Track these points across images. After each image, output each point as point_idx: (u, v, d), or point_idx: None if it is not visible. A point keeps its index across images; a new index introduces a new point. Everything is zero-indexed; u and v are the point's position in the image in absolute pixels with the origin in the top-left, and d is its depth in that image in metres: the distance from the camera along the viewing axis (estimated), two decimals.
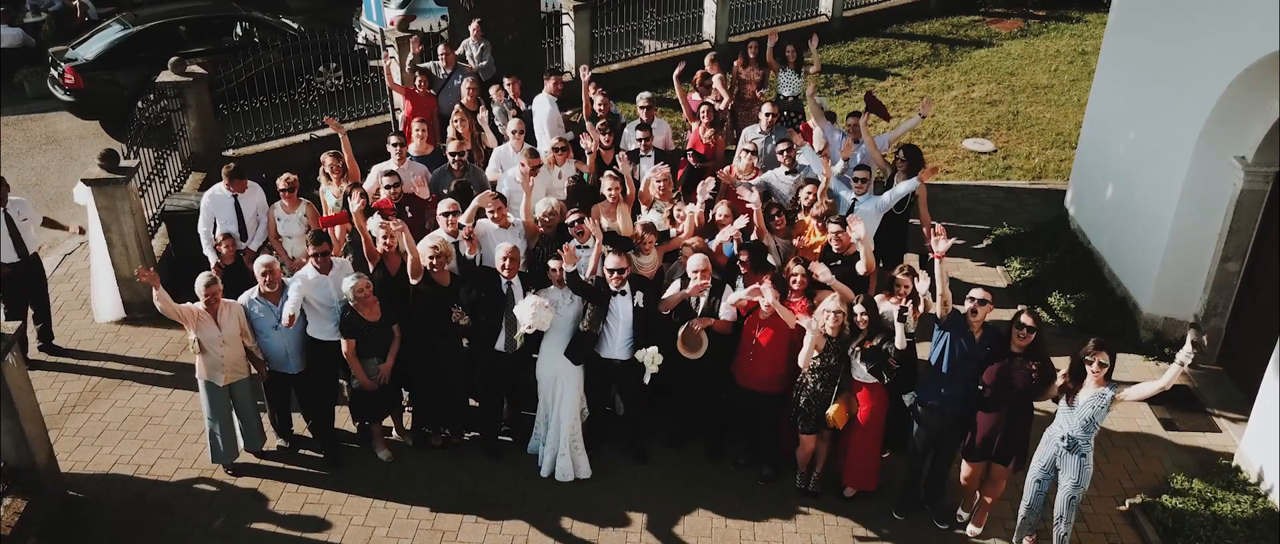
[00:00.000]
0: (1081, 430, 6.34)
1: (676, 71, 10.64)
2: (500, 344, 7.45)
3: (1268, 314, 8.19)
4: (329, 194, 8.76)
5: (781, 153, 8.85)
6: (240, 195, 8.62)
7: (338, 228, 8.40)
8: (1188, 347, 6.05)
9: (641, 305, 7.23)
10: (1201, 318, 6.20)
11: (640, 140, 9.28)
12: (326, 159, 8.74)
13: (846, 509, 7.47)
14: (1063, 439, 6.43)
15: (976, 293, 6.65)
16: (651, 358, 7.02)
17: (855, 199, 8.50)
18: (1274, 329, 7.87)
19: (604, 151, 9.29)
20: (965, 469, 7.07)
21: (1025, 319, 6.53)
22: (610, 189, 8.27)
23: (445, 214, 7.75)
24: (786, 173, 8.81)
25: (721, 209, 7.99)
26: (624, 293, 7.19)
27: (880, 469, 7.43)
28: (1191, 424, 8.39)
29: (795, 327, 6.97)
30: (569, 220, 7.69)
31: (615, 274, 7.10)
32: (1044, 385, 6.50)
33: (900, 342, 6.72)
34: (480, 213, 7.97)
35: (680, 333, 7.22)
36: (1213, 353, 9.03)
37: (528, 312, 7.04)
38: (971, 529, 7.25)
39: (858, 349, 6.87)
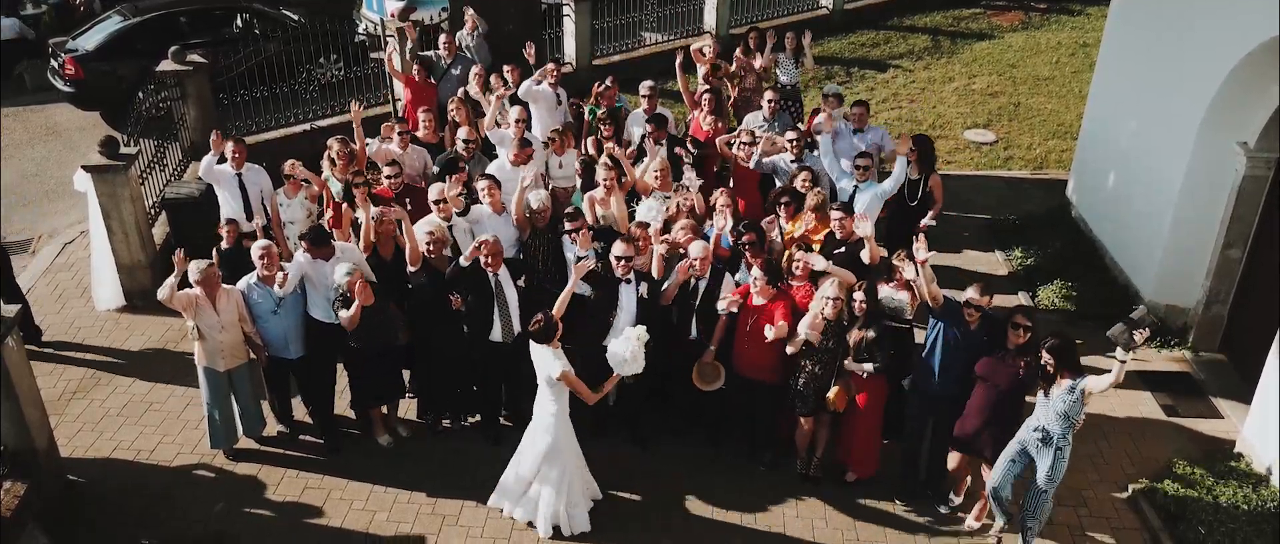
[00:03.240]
0: (1056, 423, 6.29)
1: (679, 61, 10.61)
2: (496, 335, 7.43)
3: (1269, 301, 8.16)
4: (333, 181, 8.75)
5: (791, 141, 8.83)
6: (244, 173, 8.61)
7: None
8: (1120, 350, 6.01)
9: (646, 296, 7.21)
10: (1141, 313, 6.20)
11: (649, 132, 9.25)
12: (334, 144, 8.74)
13: (847, 495, 7.46)
14: (1037, 430, 6.40)
15: (973, 297, 6.63)
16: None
17: (856, 186, 8.47)
18: (1276, 316, 7.84)
19: (605, 141, 9.27)
20: (954, 459, 7.07)
21: (1020, 320, 6.51)
22: (605, 178, 8.24)
23: (436, 202, 7.76)
24: (792, 161, 8.79)
25: (722, 199, 7.96)
26: (629, 282, 7.17)
27: (880, 455, 7.42)
28: (1193, 410, 8.38)
29: (788, 321, 6.95)
30: (569, 228, 7.64)
31: (622, 262, 7.07)
32: (1032, 380, 6.48)
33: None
34: (474, 198, 7.96)
35: (695, 368, 7.26)
36: (1215, 340, 9.03)
37: (627, 350, 6.57)
38: (970, 523, 7.21)
39: (855, 335, 6.85)
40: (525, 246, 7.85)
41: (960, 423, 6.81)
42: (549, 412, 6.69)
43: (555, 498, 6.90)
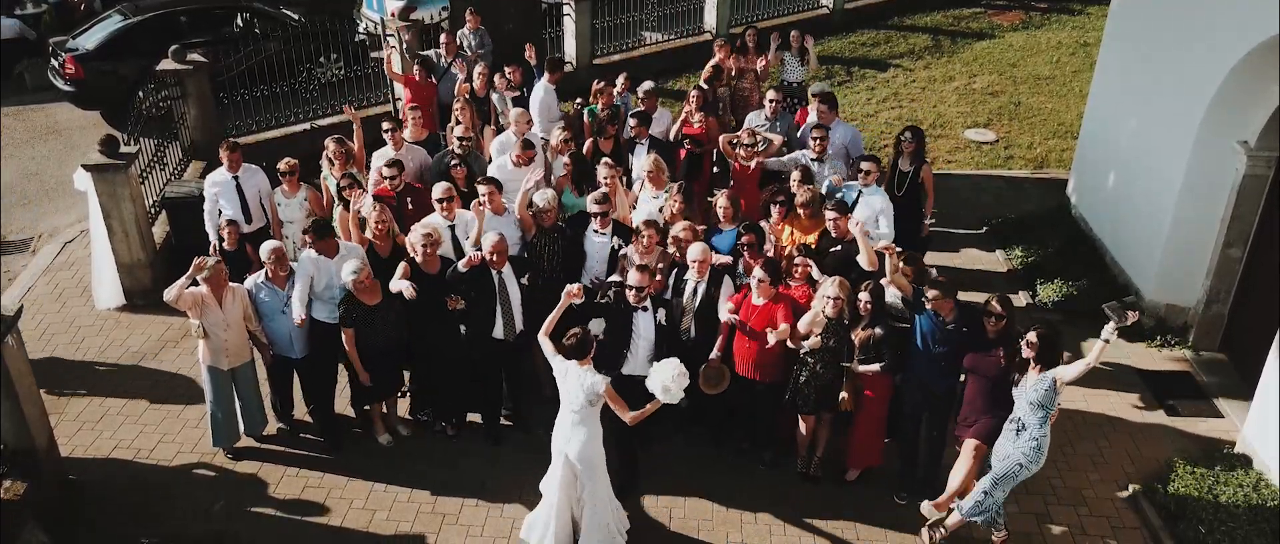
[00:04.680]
0: (1029, 412, 6.27)
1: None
2: (499, 332, 7.43)
3: (1269, 300, 8.16)
4: (331, 181, 8.76)
5: (815, 140, 8.81)
6: (241, 176, 8.63)
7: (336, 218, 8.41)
8: (1111, 324, 6.01)
9: (665, 323, 7.03)
10: (1131, 299, 6.16)
11: (631, 128, 9.26)
12: (330, 145, 8.74)
13: (847, 494, 7.46)
14: (1013, 422, 6.40)
15: (928, 295, 6.65)
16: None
17: (861, 191, 8.33)
18: (1276, 315, 7.83)
19: (603, 141, 9.29)
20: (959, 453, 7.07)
21: (994, 307, 6.50)
22: (607, 178, 8.24)
23: (440, 200, 7.75)
24: (814, 160, 8.77)
25: (722, 201, 7.94)
26: (645, 309, 6.94)
27: (883, 451, 7.43)
28: (1193, 410, 8.37)
29: (788, 320, 6.93)
30: (594, 211, 7.66)
31: (635, 292, 6.83)
32: (1011, 370, 6.47)
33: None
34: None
35: (701, 370, 7.19)
36: (1215, 339, 9.02)
37: (664, 380, 6.17)
38: (957, 505, 7.17)
39: (858, 335, 6.85)
40: (530, 246, 7.84)
41: (958, 417, 6.83)
42: (579, 438, 6.38)
43: (597, 527, 6.67)
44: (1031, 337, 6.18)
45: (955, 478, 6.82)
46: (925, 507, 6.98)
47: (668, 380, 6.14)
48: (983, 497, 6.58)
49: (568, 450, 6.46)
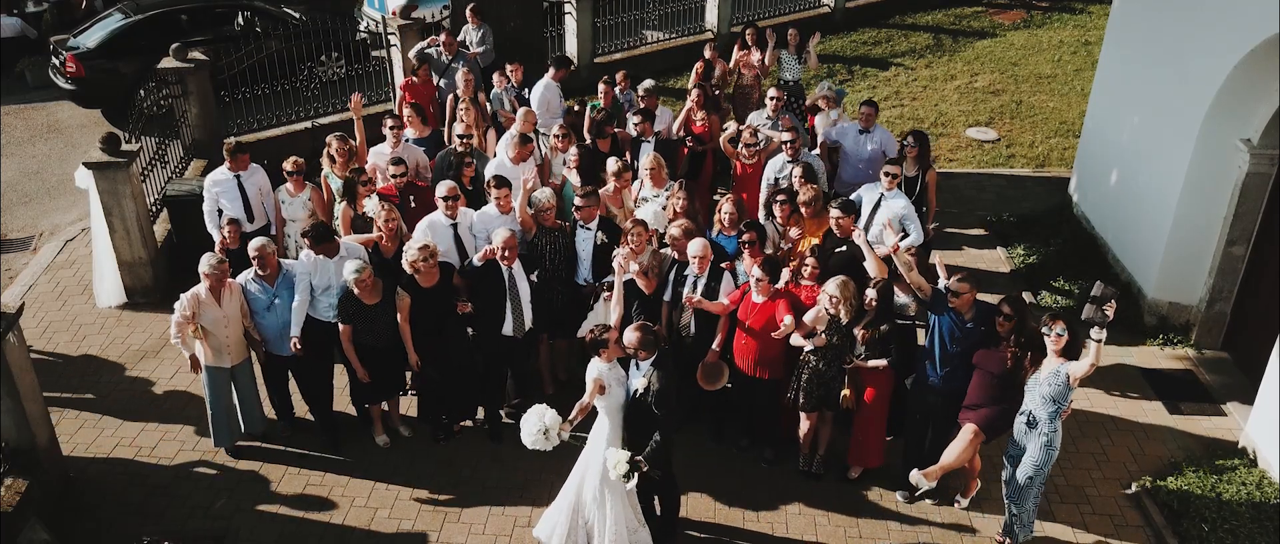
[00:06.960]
0: (1041, 406, 6.27)
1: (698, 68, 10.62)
2: (508, 328, 7.42)
3: (1272, 298, 8.16)
4: (333, 178, 8.74)
5: (786, 144, 8.78)
6: (242, 175, 8.62)
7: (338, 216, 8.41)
8: (1095, 327, 5.96)
9: (640, 393, 6.26)
10: (1103, 290, 6.12)
11: (636, 125, 9.25)
12: (332, 141, 8.72)
13: (849, 492, 7.45)
14: (1023, 414, 6.41)
15: (951, 286, 6.63)
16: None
17: (882, 195, 8.23)
18: (1278, 313, 7.84)
19: (602, 142, 9.28)
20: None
21: (1005, 308, 6.48)
22: (617, 176, 8.22)
23: (445, 198, 7.74)
24: (789, 161, 8.75)
25: (727, 205, 7.91)
26: (637, 368, 6.35)
27: (885, 449, 7.41)
28: (1196, 408, 8.35)
29: (787, 315, 6.90)
30: (579, 203, 7.64)
31: (634, 349, 6.27)
32: (1019, 368, 6.45)
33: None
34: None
35: (699, 367, 7.19)
36: (1218, 337, 9.01)
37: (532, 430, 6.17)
38: (959, 502, 7.28)
39: (862, 333, 6.84)
40: (532, 245, 7.84)
41: (961, 408, 6.79)
42: (598, 432, 6.40)
43: (616, 524, 6.55)
44: (1059, 327, 6.17)
45: (949, 455, 6.76)
46: (914, 475, 6.82)
47: (534, 430, 6.08)
48: (1011, 518, 6.68)
49: (593, 448, 6.47)
